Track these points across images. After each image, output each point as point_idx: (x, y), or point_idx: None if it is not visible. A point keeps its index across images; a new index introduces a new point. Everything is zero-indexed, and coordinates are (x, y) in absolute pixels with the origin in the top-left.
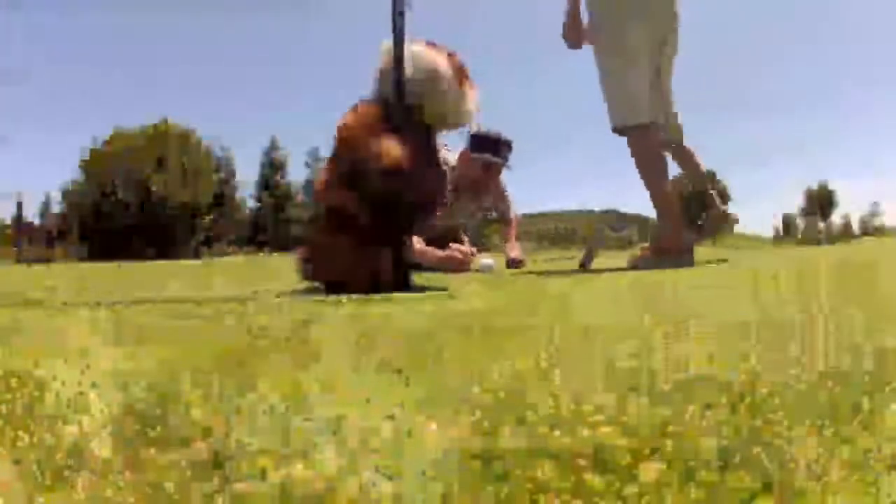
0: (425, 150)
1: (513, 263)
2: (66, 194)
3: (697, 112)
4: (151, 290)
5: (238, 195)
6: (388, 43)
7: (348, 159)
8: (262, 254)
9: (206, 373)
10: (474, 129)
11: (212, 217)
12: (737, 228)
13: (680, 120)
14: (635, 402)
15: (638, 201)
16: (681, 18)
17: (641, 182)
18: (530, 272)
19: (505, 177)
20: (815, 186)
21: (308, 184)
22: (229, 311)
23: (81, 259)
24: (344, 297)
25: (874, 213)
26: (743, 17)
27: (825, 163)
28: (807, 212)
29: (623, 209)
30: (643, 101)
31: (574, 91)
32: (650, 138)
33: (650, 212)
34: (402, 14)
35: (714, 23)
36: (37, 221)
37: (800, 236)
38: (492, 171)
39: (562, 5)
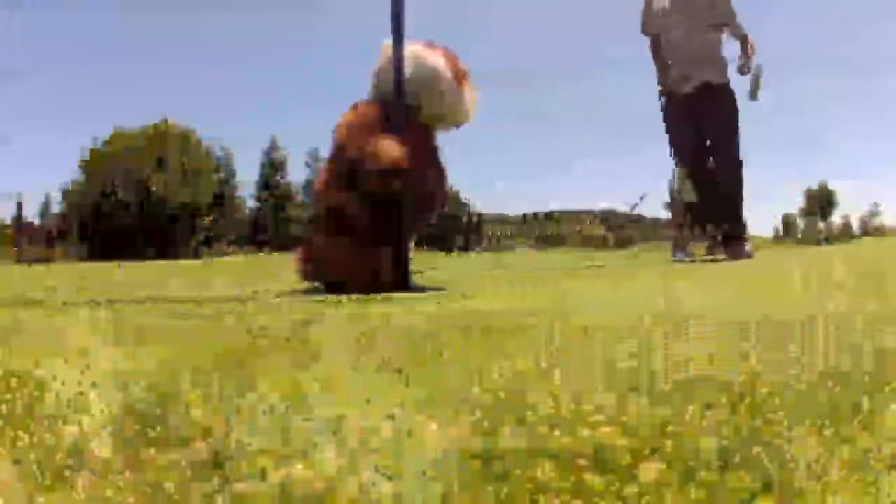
0: (425, 149)
1: None
2: (66, 194)
3: None
4: (151, 289)
5: (238, 195)
6: (388, 43)
7: (347, 159)
8: (262, 254)
9: (206, 373)
10: None
11: (212, 217)
12: None
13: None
14: (635, 401)
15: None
16: None
17: None
18: (530, 273)
19: None
20: (815, 186)
21: (308, 184)
22: (229, 311)
23: (81, 259)
24: (344, 297)
25: (874, 213)
26: (743, 16)
27: (825, 163)
28: (807, 212)
29: (621, 209)
30: None
31: (575, 91)
32: None
33: (648, 212)
34: (401, 14)
35: None
36: (37, 221)
37: (799, 236)
38: None
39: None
